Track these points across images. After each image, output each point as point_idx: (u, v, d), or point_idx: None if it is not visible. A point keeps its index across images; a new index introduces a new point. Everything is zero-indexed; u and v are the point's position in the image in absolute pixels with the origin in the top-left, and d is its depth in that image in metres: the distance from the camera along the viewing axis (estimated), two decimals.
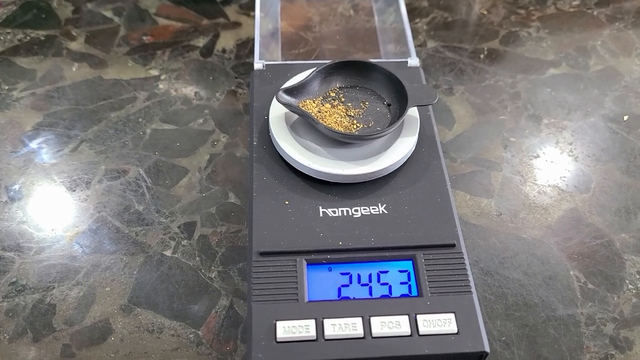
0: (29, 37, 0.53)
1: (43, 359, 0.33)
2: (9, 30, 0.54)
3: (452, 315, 0.32)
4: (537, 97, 0.49)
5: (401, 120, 0.37)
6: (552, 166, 0.44)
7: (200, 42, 0.53)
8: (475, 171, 0.44)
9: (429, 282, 0.33)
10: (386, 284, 0.33)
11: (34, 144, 0.44)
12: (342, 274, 0.34)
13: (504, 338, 0.35)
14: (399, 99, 0.39)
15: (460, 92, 0.50)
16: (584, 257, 0.39)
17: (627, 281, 0.38)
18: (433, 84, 0.50)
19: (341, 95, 0.40)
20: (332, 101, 0.39)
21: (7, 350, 0.34)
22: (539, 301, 0.37)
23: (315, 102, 0.39)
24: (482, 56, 0.53)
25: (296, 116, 0.39)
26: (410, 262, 0.34)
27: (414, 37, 0.53)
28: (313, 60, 0.52)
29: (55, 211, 0.40)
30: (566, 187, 0.43)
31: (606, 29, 0.56)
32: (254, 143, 0.39)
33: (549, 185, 0.43)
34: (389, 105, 0.40)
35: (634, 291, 0.38)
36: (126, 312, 0.36)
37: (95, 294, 0.36)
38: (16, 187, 0.42)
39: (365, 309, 0.32)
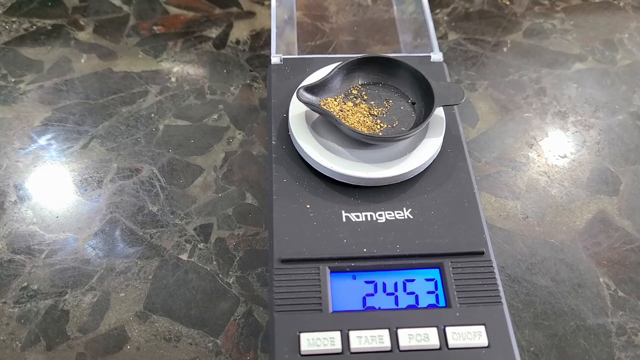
0: (35, 27, 0.51)
1: None
2: (14, 19, 0.52)
3: (482, 328, 0.31)
4: (562, 93, 0.48)
5: (427, 121, 0.35)
6: (579, 166, 0.43)
7: (213, 32, 0.51)
8: (500, 171, 0.42)
9: (457, 291, 0.32)
10: (413, 293, 0.32)
11: (42, 140, 0.43)
12: (367, 282, 0.32)
13: (532, 348, 0.34)
14: (424, 98, 0.37)
15: (483, 87, 0.48)
16: (613, 263, 0.38)
17: None
18: (455, 79, 0.48)
19: (363, 93, 0.38)
20: (354, 99, 0.38)
21: (20, 359, 0.33)
22: (568, 310, 0.36)
23: (337, 100, 0.37)
24: (505, 49, 0.51)
25: (317, 114, 0.37)
26: (438, 270, 0.33)
27: (435, 28, 0.51)
28: (331, 53, 0.50)
29: (66, 212, 0.39)
30: (594, 189, 0.42)
31: (633, 21, 0.54)
32: (273, 142, 0.37)
33: (576, 187, 0.42)
34: (413, 103, 0.38)
35: None
36: (142, 319, 0.34)
37: (110, 300, 0.35)
38: (25, 186, 0.40)
39: (392, 320, 0.31)
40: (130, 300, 0.35)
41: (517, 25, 0.53)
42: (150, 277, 0.36)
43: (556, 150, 0.44)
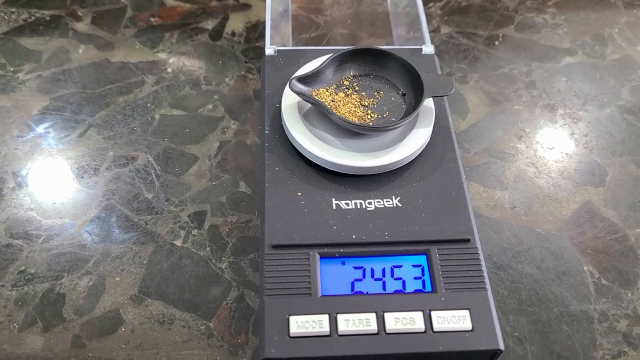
0: (33, 17, 0.52)
1: (53, 349, 0.33)
2: (13, 10, 0.53)
3: (466, 312, 0.31)
4: (552, 87, 0.48)
5: (417, 112, 0.36)
6: (567, 158, 0.44)
7: (209, 24, 0.52)
8: (489, 162, 0.43)
9: (443, 277, 0.33)
10: (400, 278, 0.33)
11: (40, 129, 0.44)
12: (356, 268, 0.33)
13: (516, 334, 0.35)
14: (414, 89, 0.38)
15: (474, 80, 0.49)
16: (598, 252, 0.39)
17: None
18: (447, 72, 0.49)
19: (355, 84, 0.39)
20: (346, 90, 0.39)
21: (17, 340, 0.34)
22: (552, 297, 0.37)
23: (329, 90, 0.38)
24: (497, 43, 0.52)
25: (309, 105, 0.38)
26: (424, 256, 0.34)
27: (428, 22, 0.52)
28: (324, 45, 0.50)
29: (63, 198, 0.40)
30: (581, 180, 0.42)
31: (624, 16, 0.55)
32: (266, 132, 0.38)
33: (564, 178, 0.43)
34: (403, 94, 0.39)
35: None
36: (136, 302, 0.35)
37: (105, 284, 0.36)
38: (23, 173, 0.41)
39: (379, 304, 0.32)
40: (125, 284, 0.36)
41: (509, 19, 0.54)
42: (145, 262, 0.37)
43: (544, 142, 0.45)
